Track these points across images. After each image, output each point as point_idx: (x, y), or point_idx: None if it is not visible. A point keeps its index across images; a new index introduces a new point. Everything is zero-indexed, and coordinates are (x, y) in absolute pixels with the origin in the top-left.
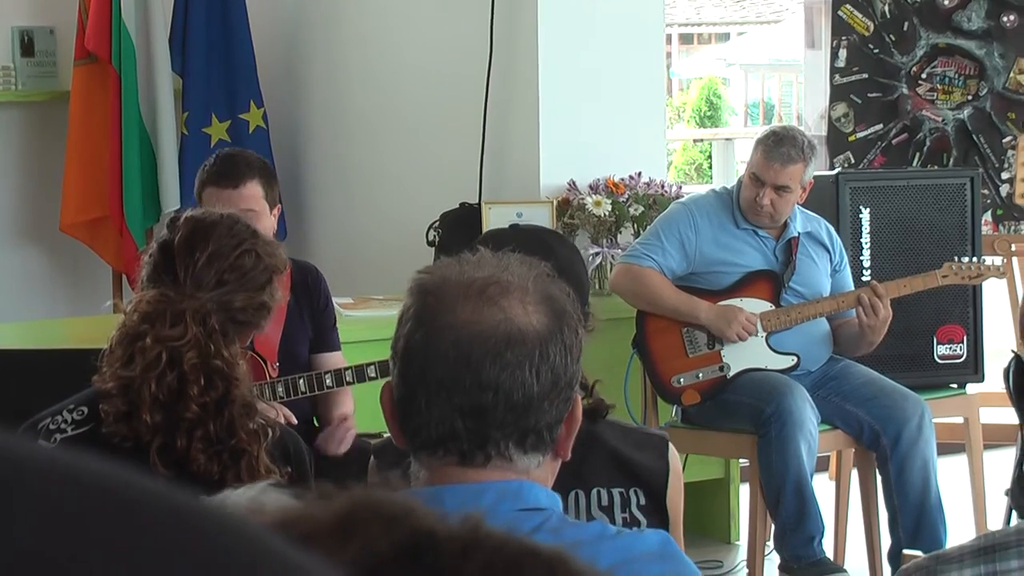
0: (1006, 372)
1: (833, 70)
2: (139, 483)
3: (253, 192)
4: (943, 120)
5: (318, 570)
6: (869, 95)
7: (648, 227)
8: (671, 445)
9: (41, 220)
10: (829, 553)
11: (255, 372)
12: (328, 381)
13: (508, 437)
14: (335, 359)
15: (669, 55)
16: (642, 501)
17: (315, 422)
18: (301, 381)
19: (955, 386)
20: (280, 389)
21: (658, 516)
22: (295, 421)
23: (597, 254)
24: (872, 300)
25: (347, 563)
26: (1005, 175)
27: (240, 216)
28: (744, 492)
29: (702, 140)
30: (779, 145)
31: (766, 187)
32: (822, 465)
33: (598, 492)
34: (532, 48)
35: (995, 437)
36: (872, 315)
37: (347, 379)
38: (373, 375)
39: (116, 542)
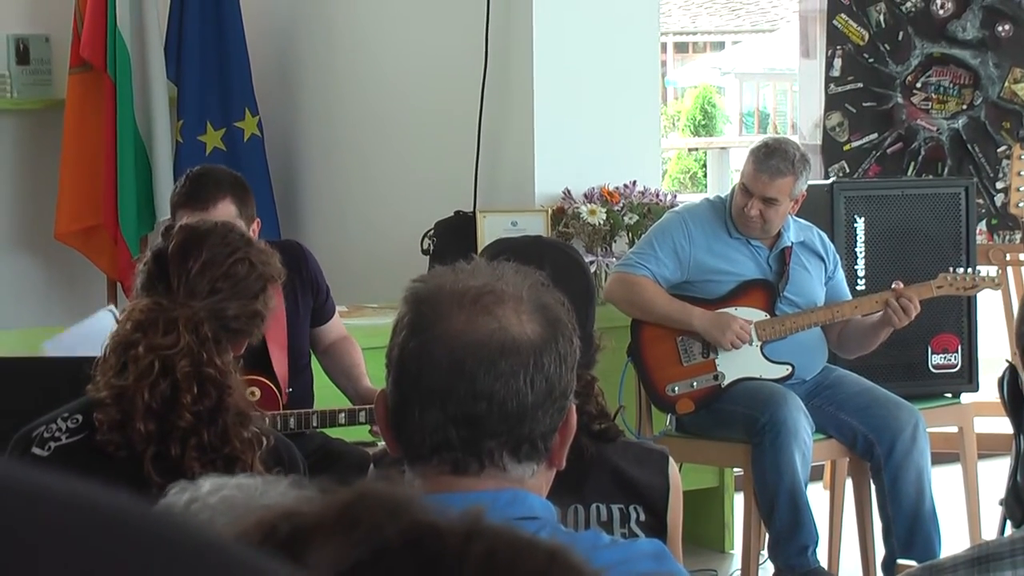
0: (1000, 382)
1: (828, 79)
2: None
3: (226, 211)
4: (938, 129)
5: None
6: (864, 104)
7: (642, 236)
8: (671, 460)
9: (36, 228)
10: (823, 562)
11: (268, 400)
12: (341, 419)
13: (502, 446)
14: (335, 324)
15: (664, 64)
16: (642, 518)
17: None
18: (314, 417)
19: (949, 396)
20: (292, 421)
21: (657, 533)
22: None
23: (591, 263)
24: (904, 304)
25: (353, 549)
26: (1000, 185)
27: (234, 225)
28: (738, 501)
29: (697, 149)
30: (769, 158)
31: (755, 198)
32: (816, 474)
33: (597, 508)
34: (527, 56)
35: (989, 447)
36: (904, 318)
37: (360, 419)
38: (363, 420)
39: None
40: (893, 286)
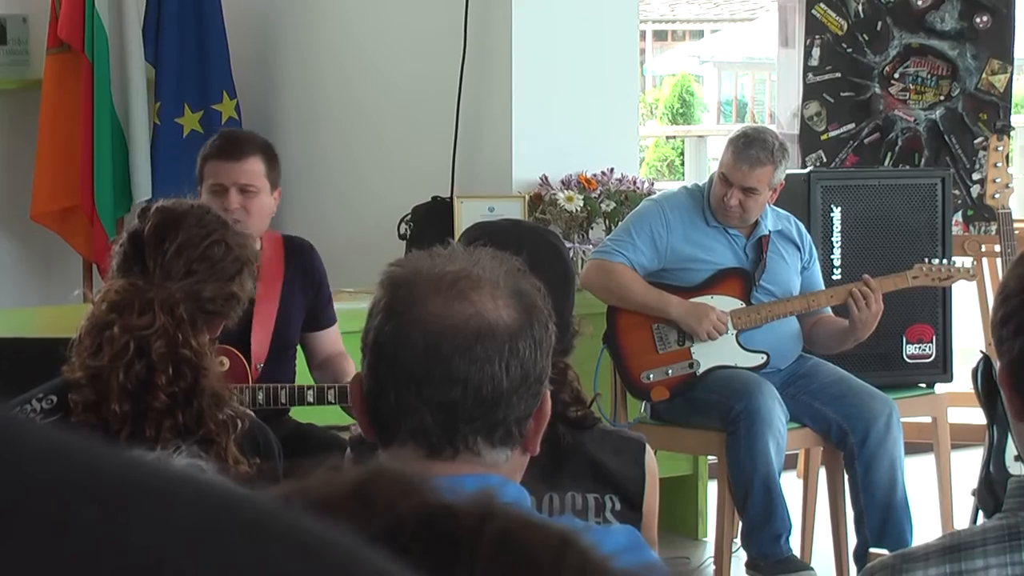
0: (974, 372)
1: (806, 69)
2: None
3: (255, 168)
4: (915, 120)
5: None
6: (842, 94)
7: (620, 223)
8: (648, 448)
9: (12, 209)
10: (796, 551)
11: (236, 372)
12: (309, 397)
13: (477, 431)
14: (331, 335)
15: (643, 52)
16: (617, 507)
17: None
18: (283, 392)
19: (923, 386)
20: (260, 396)
21: (633, 522)
22: None
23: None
24: (864, 292)
25: (367, 526)
26: (976, 176)
27: (211, 207)
28: (712, 489)
29: (675, 137)
30: (748, 147)
31: (734, 187)
32: (790, 463)
33: (572, 496)
34: (506, 42)
35: (963, 437)
36: (864, 308)
37: (329, 398)
38: (332, 400)
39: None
40: (862, 278)
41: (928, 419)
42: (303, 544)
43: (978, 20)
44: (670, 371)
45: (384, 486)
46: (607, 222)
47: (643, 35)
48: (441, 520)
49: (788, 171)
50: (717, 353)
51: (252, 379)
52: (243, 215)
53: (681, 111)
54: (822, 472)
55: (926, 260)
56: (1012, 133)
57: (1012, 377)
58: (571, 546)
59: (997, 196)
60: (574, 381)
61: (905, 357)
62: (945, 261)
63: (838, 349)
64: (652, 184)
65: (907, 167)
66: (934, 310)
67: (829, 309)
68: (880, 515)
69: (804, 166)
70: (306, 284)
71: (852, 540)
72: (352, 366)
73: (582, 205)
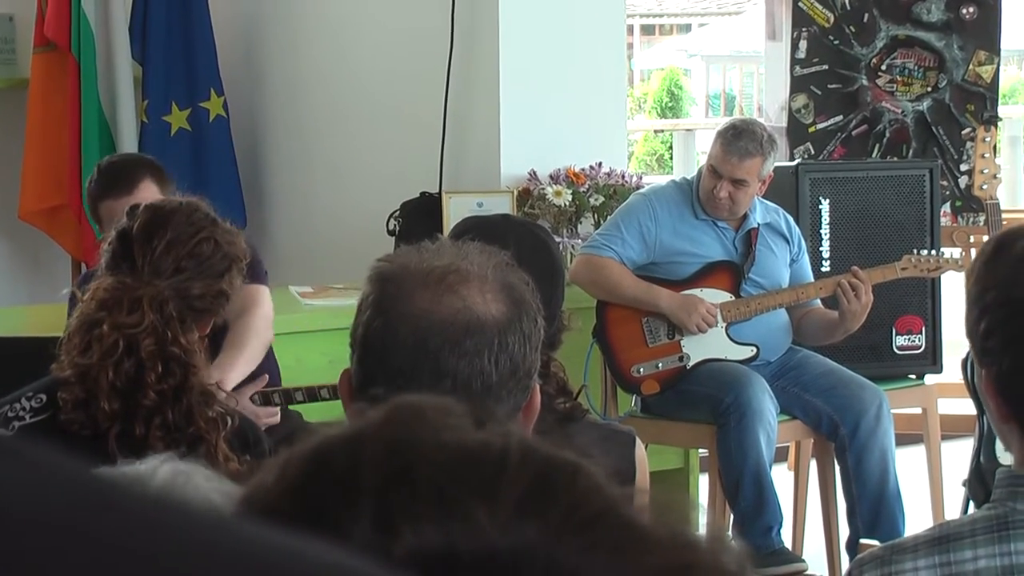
0: (964, 363)
1: (794, 61)
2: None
3: (149, 192)
4: (903, 112)
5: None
6: (829, 86)
7: (608, 217)
8: (638, 441)
9: (0, 208)
10: (787, 543)
11: None
12: (276, 399)
13: None
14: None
15: (630, 46)
16: None
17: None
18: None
19: (913, 377)
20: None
21: None
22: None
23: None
24: (854, 283)
25: (402, 456)
26: (964, 167)
27: (200, 204)
28: (703, 482)
29: (663, 131)
30: (737, 139)
31: (723, 180)
32: (781, 455)
33: None
34: (493, 37)
35: (953, 428)
36: (854, 300)
37: (297, 398)
38: (326, 396)
39: None
40: (851, 270)
41: (918, 410)
42: None
43: (964, 11)
44: (660, 364)
45: (414, 412)
46: (596, 216)
47: (630, 29)
48: (470, 438)
49: (776, 164)
50: (707, 346)
51: None
52: None
53: (669, 105)
54: (813, 464)
55: (915, 251)
56: (999, 124)
57: (998, 386)
58: (584, 466)
59: (985, 187)
60: (559, 372)
61: (895, 348)
62: (934, 252)
63: (828, 341)
64: (641, 178)
65: (895, 159)
66: (923, 301)
67: (819, 301)
68: (872, 506)
69: (792, 159)
70: None
71: (844, 531)
72: (251, 324)
73: (570, 200)
